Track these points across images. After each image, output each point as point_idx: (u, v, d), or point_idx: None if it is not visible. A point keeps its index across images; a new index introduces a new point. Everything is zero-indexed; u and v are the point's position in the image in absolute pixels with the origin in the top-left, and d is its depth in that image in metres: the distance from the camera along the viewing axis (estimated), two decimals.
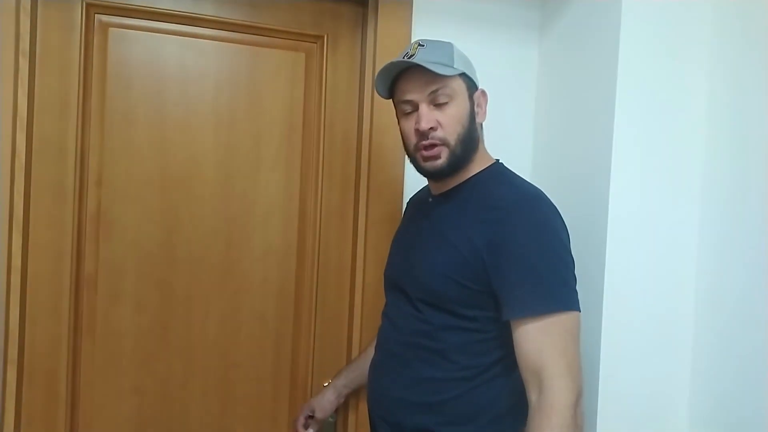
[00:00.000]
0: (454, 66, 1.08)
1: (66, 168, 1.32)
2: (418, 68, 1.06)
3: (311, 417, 1.39)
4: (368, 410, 1.23)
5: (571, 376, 0.97)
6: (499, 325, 1.05)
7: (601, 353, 1.23)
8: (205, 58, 1.40)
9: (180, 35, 1.38)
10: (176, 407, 1.41)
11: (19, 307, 1.27)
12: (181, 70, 1.39)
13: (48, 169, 1.31)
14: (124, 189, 1.36)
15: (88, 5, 1.32)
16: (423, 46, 1.08)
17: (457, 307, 1.07)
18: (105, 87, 1.34)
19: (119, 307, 1.37)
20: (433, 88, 1.07)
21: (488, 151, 1.18)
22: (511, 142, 1.50)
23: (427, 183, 1.23)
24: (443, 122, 1.07)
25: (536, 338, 0.98)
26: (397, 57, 1.11)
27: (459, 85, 1.09)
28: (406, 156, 1.17)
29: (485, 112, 1.16)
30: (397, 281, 1.20)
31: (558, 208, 1.09)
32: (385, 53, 1.40)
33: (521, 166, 1.46)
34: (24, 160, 1.27)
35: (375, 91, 1.20)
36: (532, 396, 0.98)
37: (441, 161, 1.09)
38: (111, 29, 1.34)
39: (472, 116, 1.11)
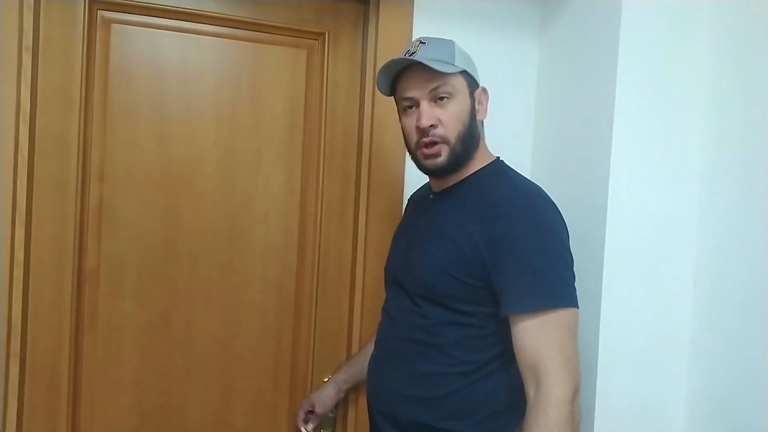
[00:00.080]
0: (455, 63, 1.08)
1: (68, 163, 1.32)
2: (420, 65, 1.06)
3: (311, 412, 1.40)
4: (367, 405, 1.24)
5: (569, 371, 0.97)
6: (497, 320, 1.05)
7: (599, 351, 1.24)
8: (206, 54, 1.41)
9: (182, 32, 1.39)
10: (177, 401, 1.42)
11: (21, 301, 1.28)
12: (183, 67, 1.39)
13: (50, 164, 1.31)
14: (125, 184, 1.36)
15: (91, 1, 1.32)
16: (424, 43, 1.09)
17: (455, 302, 1.08)
18: (107, 82, 1.35)
19: (121, 301, 1.37)
20: (434, 85, 1.07)
21: (488, 148, 1.19)
22: (511, 140, 1.50)
23: (427, 180, 1.24)
24: (444, 120, 1.08)
25: (534, 334, 0.99)
26: (398, 54, 1.12)
27: (460, 83, 1.09)
28: (407, 153, 1.18)
29: (486, 110, 1.16)
30: (396, 277, 1.21)
31: (557, 205, 1.10)
32: (386, 50, 1.41)
33: (521, 163, 1.46)
34: (27, 155, 1.28)
35: (376, 88, 1.21)
36: (530, 391, 0.99)
37: (442, 159, 1.10)
38: (113, 25, 1.35)
39: (473, 114, 1.12)
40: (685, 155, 1.28)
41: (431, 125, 1.07)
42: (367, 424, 1.25)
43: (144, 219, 1.38)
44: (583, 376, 1.12)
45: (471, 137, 1.11)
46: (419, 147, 1.11)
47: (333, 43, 1.49)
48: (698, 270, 1.29)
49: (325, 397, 1.39)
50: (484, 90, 1.16)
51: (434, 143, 1.09)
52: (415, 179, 1.34)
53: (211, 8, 1.39)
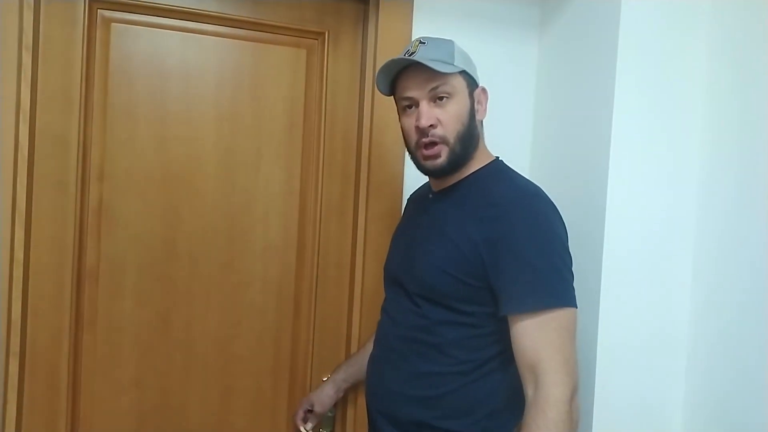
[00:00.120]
0: (455, 63, 1.09)
1: (68, 162, 1.33)
2: (419, 65, 1.07)
3: (310, 411, 1.40)
4: (366, 404, 1.24)
5: (567, 371, 0.97)
6: (496, 320, 1.06)
7: (598, 351, 1.24)
8: (207, 53, 1.41)
9: (182, 31, 1.39)
10: (176, 400, 1.42)
11: (21, 300, 1.28)
12: (183, 66, 1.39)
13: (50, 163, 1.31)
14: (125, 183, 1.37)
15: (91, 1, 1.33)
16: (424, 43, 1.09)
17: (454, 302, 1.08)
18: (107, 82, 1.35)
19: (120, 301, 1.38)
20: (434, 85, 1.07)
21: (488, 147, 1.19)
22: (510, 139, 1.50)
23: (427, 180, 1.24)
24: (443, 120, 1.08)
25: (533, 334, 0.99)
26: (398, 54, 1.12)
27: (459, 83, 1.10)
28: (407, 152, 1.18)
29: (485, 110, 1.17)
30: (396, 276, 1.21)
31: (556, 205, 1.10)
32: (386, 50, 1.41)
33: (520, 163, 1.47)
34: (27, 154, 1.28)
35: (376, 88, 1.21)
36: (529, 391, 0.99)
37: (441, 160, 1.10)
38: (113, 24, 1.35)
39: (472, 114, 1.12)
40: (683, 155, 1.29)
41: (430, 125, 1.08)
42: (366, 423, 1.26)
43: (144, 219, 1.38)
44: (582, 376, 1.12)
45: (470, 137, 1.12)
46: (419, 148, 1.11)
47: (333, 42, 1.49)
48: (697, 270, 1.29)
49: (324, 396, 1.39)
50: (484, 90, 1.16)
51: (433, 144, 1.09)
52: (414, 179, 1.35)
53: (211, 8, 1.39)
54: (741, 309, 1.17)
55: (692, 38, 1.28)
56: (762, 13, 1.16)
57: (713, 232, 1.25)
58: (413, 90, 1.09)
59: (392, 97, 1.18)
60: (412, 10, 1.45)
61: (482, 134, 1.17)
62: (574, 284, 1.05)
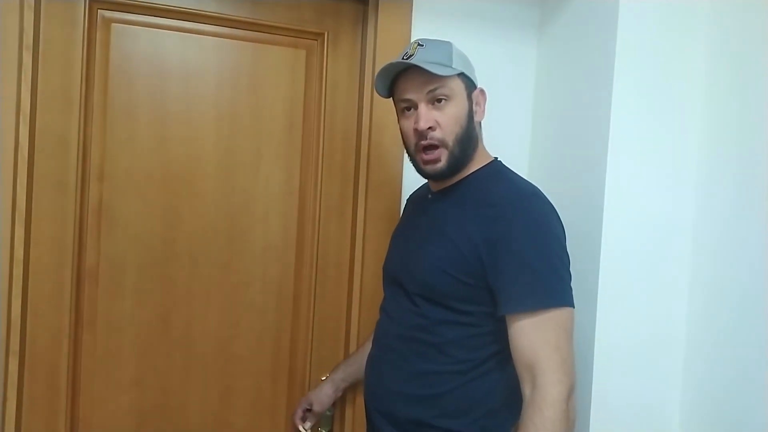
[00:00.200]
0: (453, 66, 1.09)
1: (68, 162, 1.33)
2: (417, 68, 1.07)
3: (309, 410, 1.41)
4: (365, 403, 1.24)
5: (564, 370, 0.98)
6: (494, 320, 1.06)
7: (595, 351, 1.24)
8: (206, 54, 1.41)
9: (182, 31, 1.39)
10: (176, 400, 1.42)
11: (21, 299, 1.29)
12: (183, 66, 1.40)
13: (50, 163, 1.32)
14: (125, 183, 1.37)
15: (91, 1, 1.33)
16: (422, 45, 1.10)
17: (453, 302, 1.08)
18: (107, 82, 1.35)
19: (120, 301, 1.38)
20: (432, 87, 1.08)
21: (486, 148, 1.19)
22: (509, 140, 1.51)
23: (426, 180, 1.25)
24: (442, 122, 1.09)
25: (531, 333, 1.00)
26: (397, 56, 1.12)
27: (457, 85, 1.10)
28: (405, 153, 1.19)
29: (484, 111, 1.17)
30: (395, 276, 1.21)
31: (554, 205, 1.11)
32: (385, 51, 1.41)
33: (519, 163, 1.47)
34: (27, 154, 1.28)
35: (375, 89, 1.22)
36: (526, 390, 1.00)
37: (441, 164, 1.10)
38: (114, 25, 1.35)
39: (471, 115, 1.13)
40: (682, 156, 1.29)
41: (429, 127, 1.08)
42: (365, 422, 1.26)
43: (144, 219, 1.38)
44: (579, 376, 1.12)
45: (469, 139, 1.12)
46: (418, 151, 1.12)
47: (332, 43, 1.49)
48: (695, 270, 1.29)
49: (323, 395, 1.39)
50: (482, 91, 1.17)
51: (433, 147, 1.09)
52: (413, 179, 1.35)
53: (211, 8, 1.40)
54: (739, 309, 1.18)
55: (691, 39, 1.28)
56: (761, 15, 1.17)
57: (711, 232, 1.26)
58: (411, 92, 1.10)
59: (392, 99, 1.19)
60: (412, 11, 1.45)
61: (481, 135, 1.18)
62: (572, 284, 1.05)
